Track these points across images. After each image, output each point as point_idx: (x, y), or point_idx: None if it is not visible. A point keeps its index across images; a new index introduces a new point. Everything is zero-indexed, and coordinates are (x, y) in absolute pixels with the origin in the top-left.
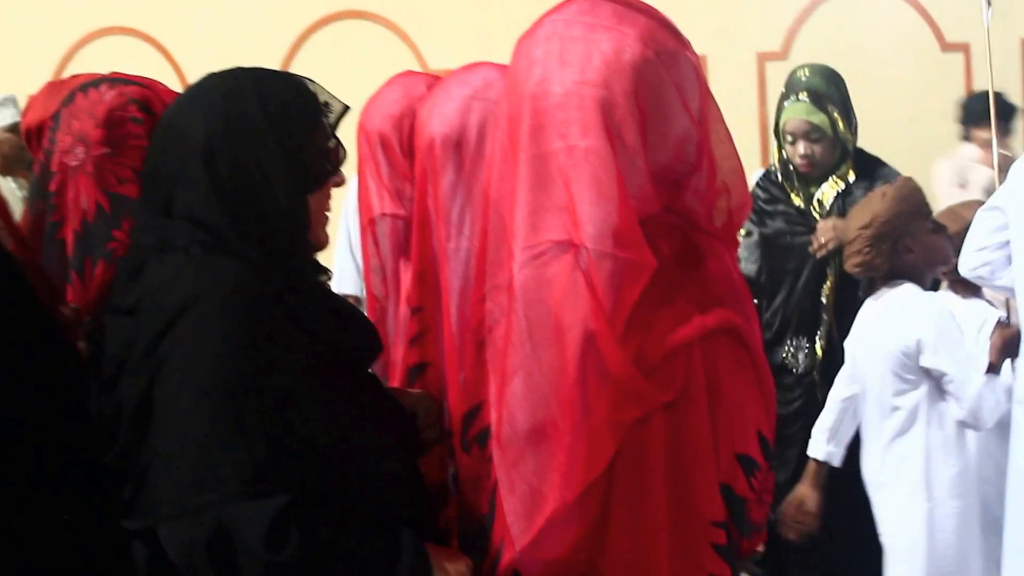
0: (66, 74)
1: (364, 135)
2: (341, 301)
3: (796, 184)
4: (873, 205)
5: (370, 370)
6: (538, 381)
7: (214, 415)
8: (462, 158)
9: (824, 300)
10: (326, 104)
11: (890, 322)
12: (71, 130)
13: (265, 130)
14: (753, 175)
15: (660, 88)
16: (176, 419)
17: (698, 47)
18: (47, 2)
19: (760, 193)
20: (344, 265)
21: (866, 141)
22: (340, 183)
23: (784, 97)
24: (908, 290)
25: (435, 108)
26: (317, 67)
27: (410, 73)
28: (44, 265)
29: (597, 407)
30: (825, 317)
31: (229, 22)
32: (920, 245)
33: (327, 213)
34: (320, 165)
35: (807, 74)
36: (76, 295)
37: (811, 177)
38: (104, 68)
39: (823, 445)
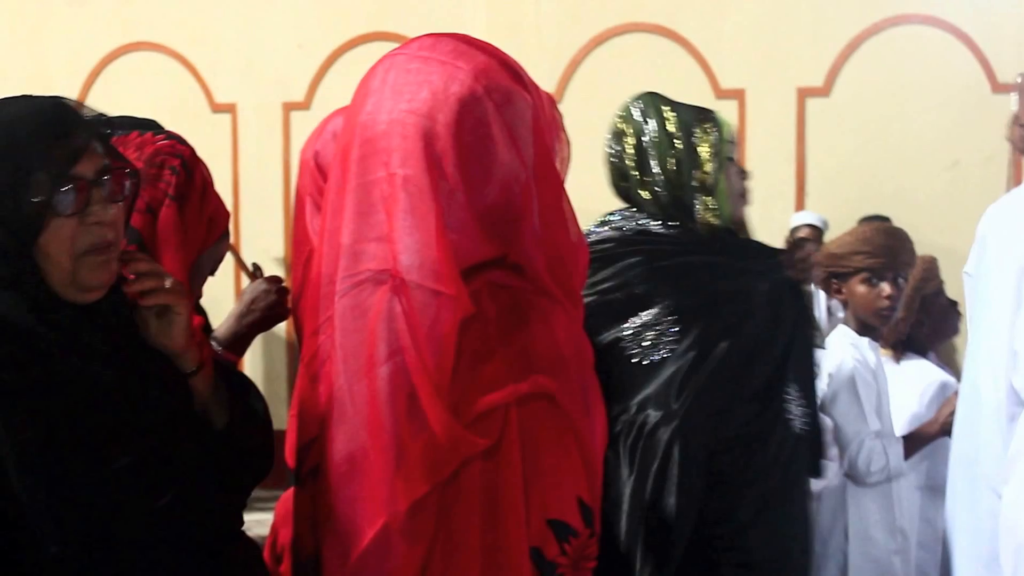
0: (93, 90)
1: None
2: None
3: None
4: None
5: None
6: (349, 412)
7: None
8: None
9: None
10: (41, 125)
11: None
12: None
13: None
14: (792, 217)
15: (486, 124)
16: None
17: (737, 80)
18: (75, 18)
19: None
20: None
21: (905, 184)
22: (105, 211)
23: (691, 116)
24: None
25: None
26: None
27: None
28: None
29: (410, 446)
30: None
31: (255, 36)
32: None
33: (91, 244)
34: (34, 207)
35: None
36: None
37: None
38: (130, 83)
39: None
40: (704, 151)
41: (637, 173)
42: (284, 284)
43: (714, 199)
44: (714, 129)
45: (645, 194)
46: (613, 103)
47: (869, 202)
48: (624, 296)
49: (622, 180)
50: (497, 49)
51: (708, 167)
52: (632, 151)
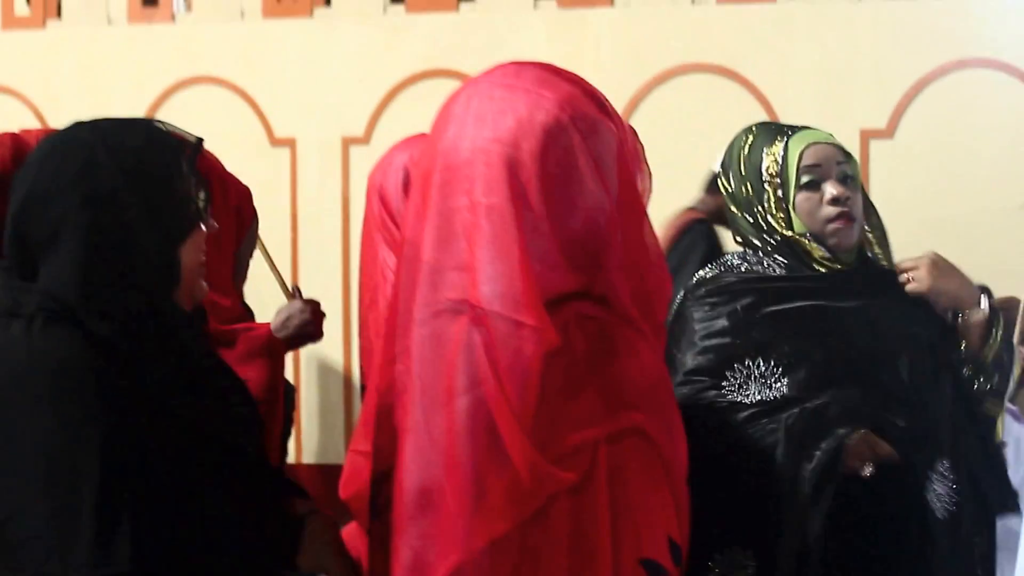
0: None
1: None
2: (214, 370)
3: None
4: None
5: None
6: (425, 444)
7: (41, 494)
8: None
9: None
10: (180, 142)
11: None
12: None
13: (122, 189)
14: None
15: (572, 153)
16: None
17: (800, 122)
18: (136, 52)
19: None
20: None
21: (971, 227)
22: (213, 228)
23: (768, 139)
24: None
25: None
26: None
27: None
28: None
29: (491, 482)
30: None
31: (314, 71)
32: None
33: (202, 262)
34: (185, 213)
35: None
36: None
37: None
38: (190, 117)
39: None
40: (771, 179)
41: (737, 210)
42: (320, 308)
43: (809, 238)
44: (780, 154)
45: (751, 232)
46: (674, 143)
47: (933, 244)
48: (731, 344)
49: (730, 220)
50: (581, 78)
51: (775, 196)
52: (730, 188)
